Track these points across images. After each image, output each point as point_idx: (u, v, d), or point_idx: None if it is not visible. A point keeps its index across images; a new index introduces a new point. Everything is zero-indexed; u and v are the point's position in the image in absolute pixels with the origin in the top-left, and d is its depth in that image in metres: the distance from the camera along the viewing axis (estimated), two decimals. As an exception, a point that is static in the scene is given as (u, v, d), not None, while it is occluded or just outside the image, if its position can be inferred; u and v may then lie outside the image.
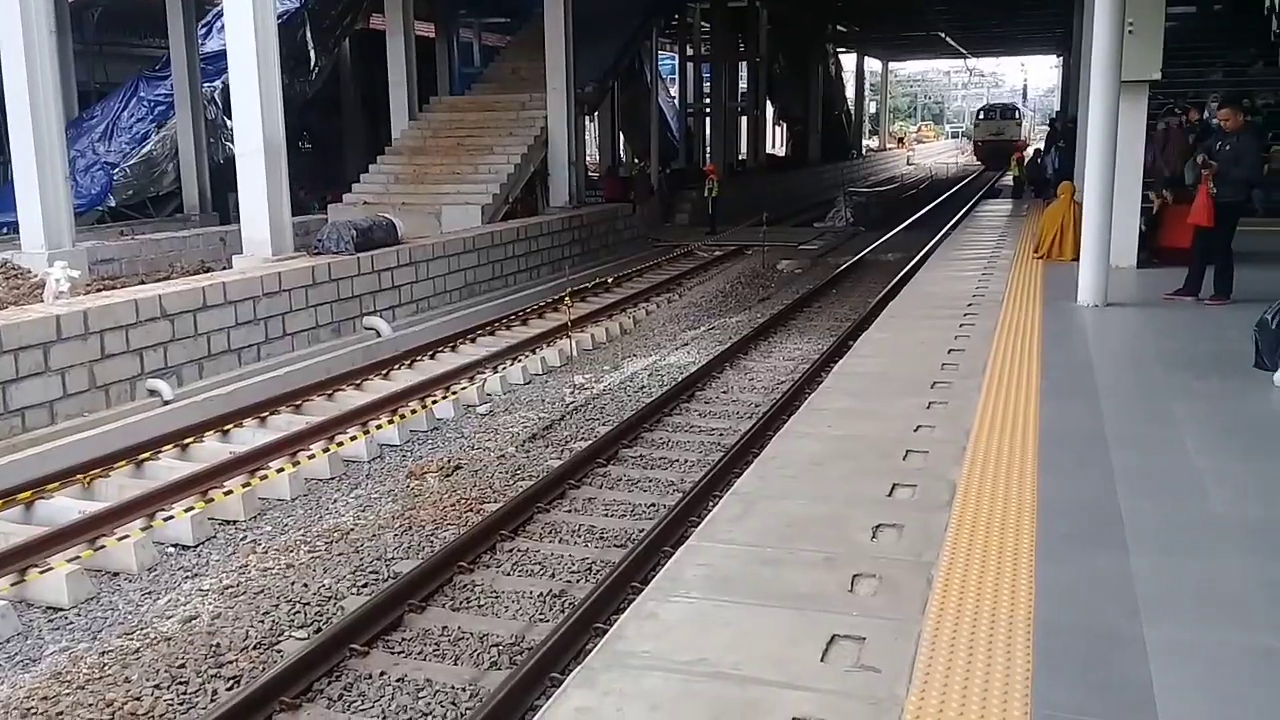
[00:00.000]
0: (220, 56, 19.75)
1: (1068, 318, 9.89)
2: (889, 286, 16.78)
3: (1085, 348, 8.78)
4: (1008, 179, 35.55)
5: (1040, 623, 3.95)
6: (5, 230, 16.89)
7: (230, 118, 19.02)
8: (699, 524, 6.63)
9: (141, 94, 22.21)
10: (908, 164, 65.83)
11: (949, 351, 8.49)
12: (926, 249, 20.00)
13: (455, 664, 5.96)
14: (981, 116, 60.31)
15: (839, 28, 47.51)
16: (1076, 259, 11.14)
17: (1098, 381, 7.52)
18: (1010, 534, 4.76)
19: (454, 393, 11.54)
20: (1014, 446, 5.99)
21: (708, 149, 35.56)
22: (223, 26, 18.21)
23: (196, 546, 7.85)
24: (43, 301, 11.87)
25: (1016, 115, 58.83)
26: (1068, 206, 13.33)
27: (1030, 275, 12.33)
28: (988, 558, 4.53)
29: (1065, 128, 22.53)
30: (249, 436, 10.23)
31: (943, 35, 49.22)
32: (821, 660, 3.77)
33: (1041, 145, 31.16)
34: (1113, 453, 5.88)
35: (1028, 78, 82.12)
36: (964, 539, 4.72)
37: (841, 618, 4.07)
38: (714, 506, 6.54)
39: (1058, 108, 41.54)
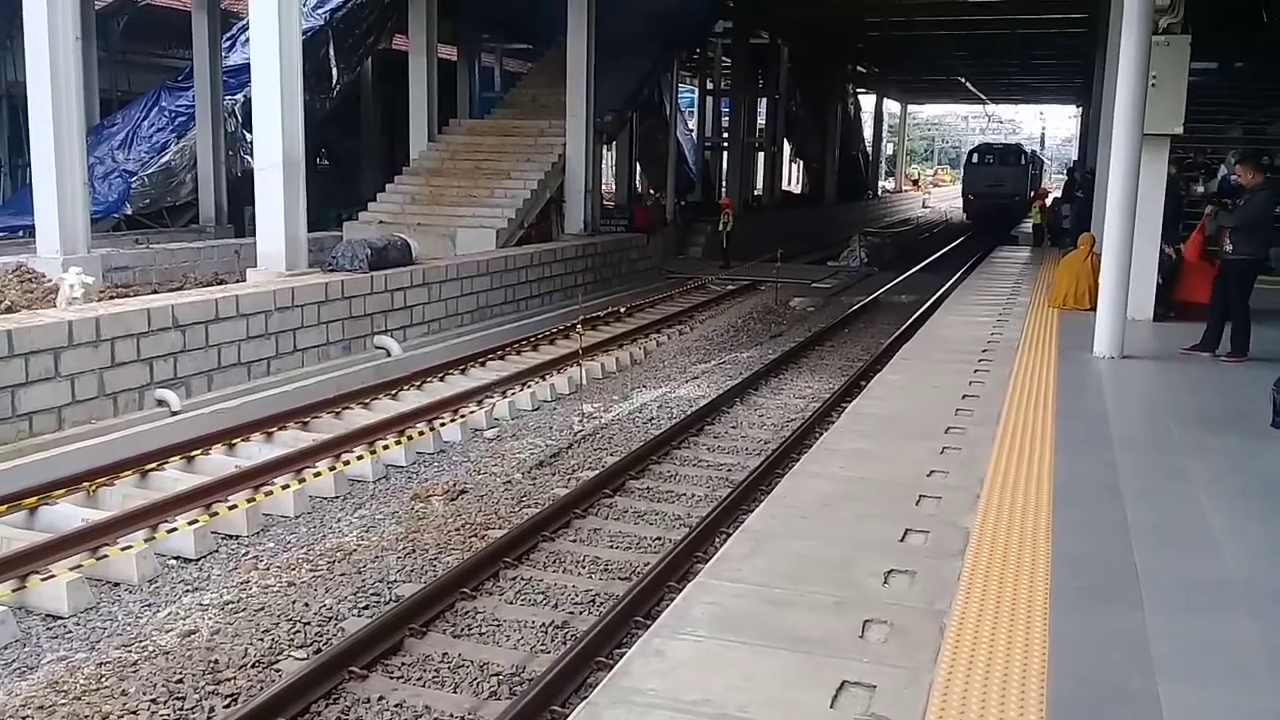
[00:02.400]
0: (243, 70, 19.90)
1: (1083, 368, 9.83)
2: (902, 328, 16.74)
3: (1100, 399, 8.73)
4: (1026, 227, 35.37)
5: (1054, 677, 3.89)
6: (21, 234, 16.94)
7: (250, 131, 19.23)
8: (705, 560, 6.60)
9: (163, 104, 22.34)
10: (923, 207, 65.90)
11: (963, 397, 8.44)
12: (940, 292, 19.99)
13: (455, 691, 5.88)
14: (974, 160, 45.27)
15: (859, 68, 47.78)
16: (1092, 310, 11.09)
17: (1113, 434, 7.46)
18: (1024, 585, 4.70)
19: (462, 416, 11.49)
20: (1028, 496, 5.93)
21: (724, 183, 35.66)
22: (247, 40, 18.31)
23: (198, 560, 7.80)
24: (56, 306, 11.88)
25: (1022, 159, 44.39)
26: (1086, 257, 13.29)
27: (1046, 324, 12.28)
28: (1001, 609, 4.47)
29: (1084, 178, 22.51)
30: (255, 451, 10.19)
31: (962, 80, 49.40)
32: (831, 707, 3.71)
33: (1059, 194, 30.99)
34: (1128, 507, 5.82)
35: (1046, 126, 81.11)
36: (977, 589, 4.66)
37: (851, 664, 4.02)
38: (722, 544, 6.50)
39: (1075, 157, 41.20)
